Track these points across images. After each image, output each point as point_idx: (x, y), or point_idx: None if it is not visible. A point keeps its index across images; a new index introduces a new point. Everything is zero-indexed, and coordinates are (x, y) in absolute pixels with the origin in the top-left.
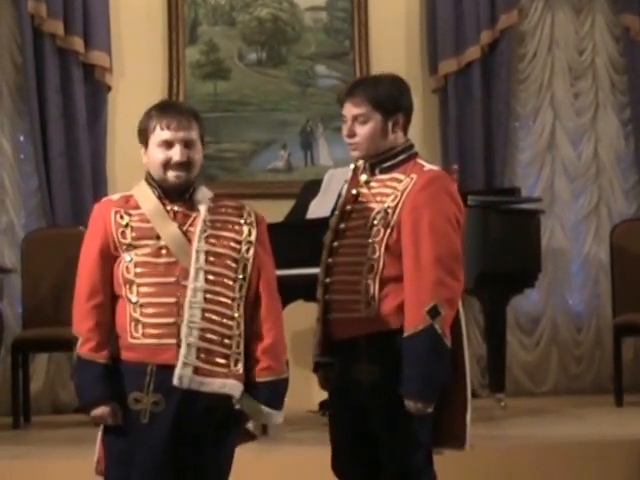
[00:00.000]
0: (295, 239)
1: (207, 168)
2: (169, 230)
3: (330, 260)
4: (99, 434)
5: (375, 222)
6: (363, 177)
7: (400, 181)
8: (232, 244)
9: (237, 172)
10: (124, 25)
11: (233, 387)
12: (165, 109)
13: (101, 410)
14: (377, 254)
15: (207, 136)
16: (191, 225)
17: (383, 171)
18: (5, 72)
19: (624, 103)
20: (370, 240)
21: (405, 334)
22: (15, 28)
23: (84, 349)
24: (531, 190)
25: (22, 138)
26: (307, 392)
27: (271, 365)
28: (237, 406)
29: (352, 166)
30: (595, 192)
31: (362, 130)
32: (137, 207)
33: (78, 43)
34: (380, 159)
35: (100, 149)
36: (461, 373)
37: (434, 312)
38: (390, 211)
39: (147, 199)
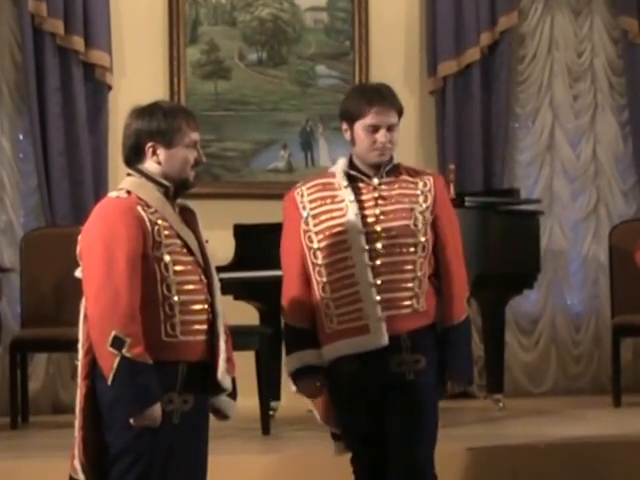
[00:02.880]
0: None
1: (211, 167)
2: (184, 229)
3: (378, 262)
4: (77, 432)
5: (424, 221)
6: (375, 180)
7: (415, 183)
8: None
9: (238, 172)
10: (125, 24)
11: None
12: (186, 110)
13: (158, 411)
14: (426, 252)
15: (210, 134)
16: (187, 223)
17: (387, 174)
18: (5, 71)
19: (622, 105)
20: (421, 239)
21: (454, 322)
22: (15, 27)
23: (137, 351)
24: (530, 190)
25: (22, 137)
26: None
27: (234, 362)
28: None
29: (341, 172)
30: (594, 193)
31: (394, 138)
32: (148, 206)
33: (78, 42)
34: (386, 164)
35: (101, 148)
36: None
37: (469, 302)
38: (428, 211)
39: (157, 199)
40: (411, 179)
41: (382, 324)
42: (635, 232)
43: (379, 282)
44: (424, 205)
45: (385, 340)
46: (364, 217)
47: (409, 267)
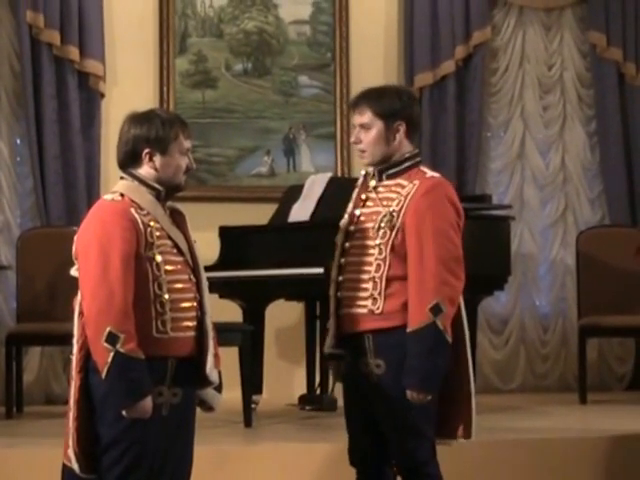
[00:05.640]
0: (277, 241)
1: (197, 172)
2: (174, 230)
3: (342, 260)
4: (71, 423)
5: (382, 224)
6: (372, 183)
7: (404, 187)
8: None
9: (224, 176)
10: (117, 36)
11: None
12: (181, 119)
13: (149, 403)
14: (383, 254)
15: (197, 141)
16: (177, 225)
17: (389, 177)
18: (3, 78)
19: (590, 116)
20: (378, 241)
21: (409, 329)
22: (14, 37)
23: (130, 346)
24: (502, 197)
25: (19, 141)
26: (288, 386)
27: (219, 357)
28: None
29: (363, 172)
30: (562, 200)
31: (366, 137)
32: (141, 208)
33: (73, 52)
34: (387, 166)
35: (93, 153)
36: (465, 367)
37: (436, 310)
38: (395, 214)
39: (149, 201)
40: (405, 182)
41: (332, 321)
42: (601, 238)
43: (340, 279)
44: (391, 209)
45: (332, 339)
46: (351, 216)
47: (367, 268)
